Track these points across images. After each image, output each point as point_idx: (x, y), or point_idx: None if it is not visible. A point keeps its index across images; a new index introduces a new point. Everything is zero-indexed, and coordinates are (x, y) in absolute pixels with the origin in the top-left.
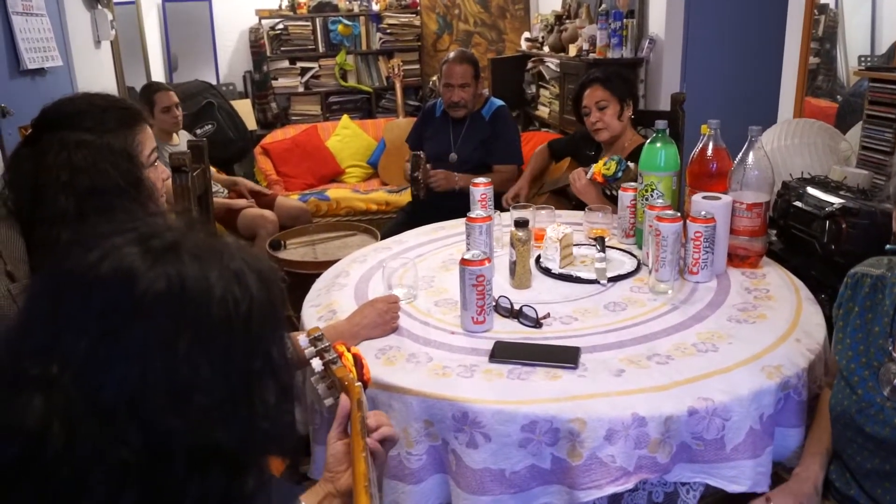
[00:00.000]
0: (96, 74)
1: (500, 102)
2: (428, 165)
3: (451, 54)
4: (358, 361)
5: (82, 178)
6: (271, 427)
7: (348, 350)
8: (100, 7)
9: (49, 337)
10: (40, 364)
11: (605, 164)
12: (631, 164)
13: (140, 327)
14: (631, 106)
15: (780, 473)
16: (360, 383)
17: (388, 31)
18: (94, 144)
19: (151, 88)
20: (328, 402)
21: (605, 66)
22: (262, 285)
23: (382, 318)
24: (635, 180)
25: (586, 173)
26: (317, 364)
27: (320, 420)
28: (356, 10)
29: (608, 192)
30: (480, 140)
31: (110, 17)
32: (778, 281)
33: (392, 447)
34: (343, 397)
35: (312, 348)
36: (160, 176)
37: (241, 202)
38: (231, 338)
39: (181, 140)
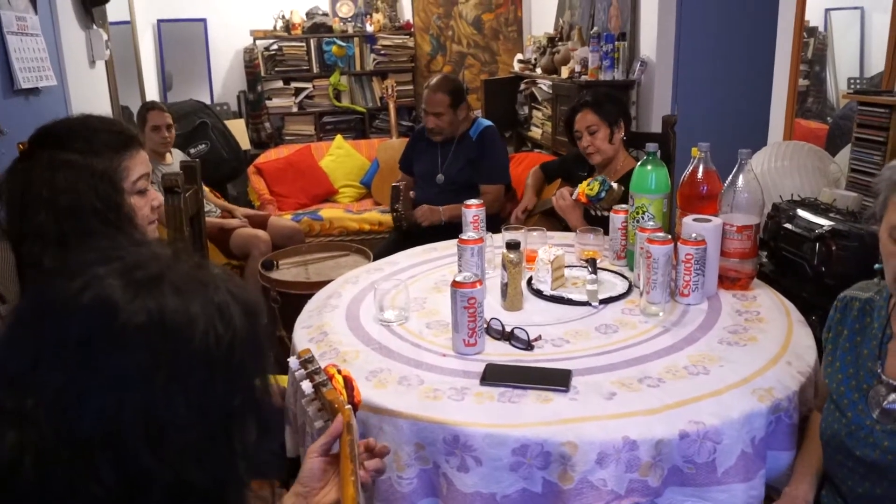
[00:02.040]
0: (91, 94)
1: (487, 123)
2: (411, 193)
3: (433, 80)
4: (349, 384)
5: (62, 198)
6: (249, 465)
7: (339, 372)
8: (95, 27)
9: (27, 366)
10: (15, 396)
11: (588, 185)
12: (615, 185)
13: (117, 359)
14: (623, 128)
15: (772, 496)
16: (350, 406)
17: (382, 52)
18: (77, 165)
19: (146, 106)
20: (318, 424)
21: (597, 89)
22: (247, 319)
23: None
24: (620, 201)
25: (571, 193)
26: (307, 387)
27: (311, 442)
28: (350, 31)
29: (593, 213)
30: (467, 160)
31: (105, 36)
32: (769, 303)
33: (380, 475)
34: (336, 419)
35: (303, 370)
36: (149, 202)
37: (234, 222)
38: (211, 374)
39: (175, 160)
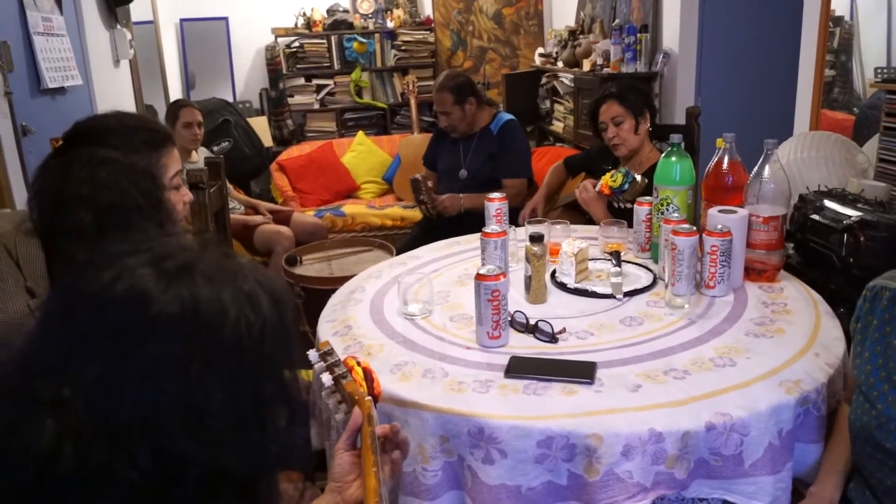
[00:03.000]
0: (115, 93)
1: (508, 116)
2: (430, 183)
3: (439, 79)
4: (368, 376)
5: (103, 195)
6: (281, 450)
7: (358, 364)
8: (119, 27)
9: (61, 357)
10: (52, 385)
11: (611, 177)
12: (638, 177)
13: (152, 349)
14: (648, 119)
15: (800, 489)
16: (370, 398)
17: (403, 47)
18: (119, 162)
19: (178, 104)
20: (339, 416)
21: (621, 80)
22: (275, 307)
23: None
24: (643, 193)
25: (594, 186)
26: (327, 379)
27: (336, 435)
28: (371, 27)
29: (616, 205)
30: (489, 154)
31: (129, 36)
32: (796, 294)
33: (405, 457)
34: (355, 411)
35: (322, 363)
36: (182, 198)
37: (258, 218)
38: (243, 361)
39: (199, 157)
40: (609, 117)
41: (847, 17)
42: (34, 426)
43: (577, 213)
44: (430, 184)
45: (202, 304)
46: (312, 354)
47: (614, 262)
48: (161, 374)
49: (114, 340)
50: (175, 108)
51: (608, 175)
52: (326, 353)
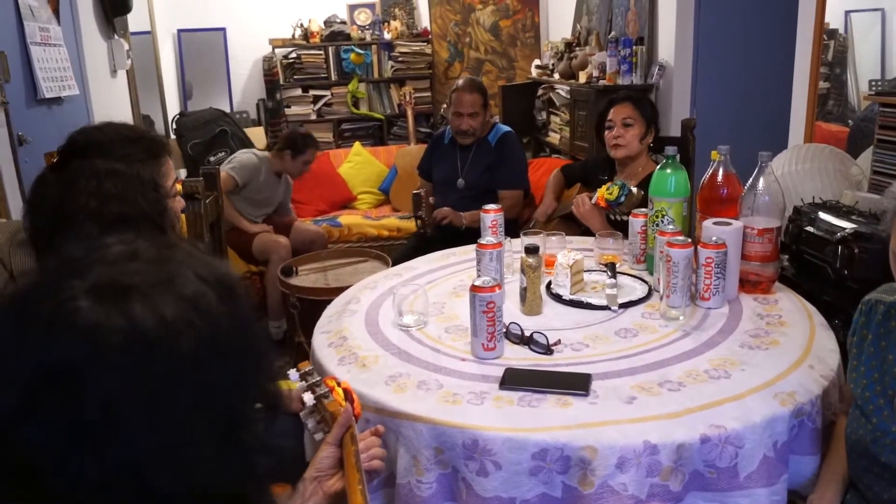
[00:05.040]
0: (112, 103)
1: (506, 128)
2: (431, 199)
3: (461, 82)
4: (349, 395)
5: (113, 206)
6: (267, 457)
7: (338, 384)
8: (116, 37)
9: (13, 404)
10: (11, 452)
11: (608, 189)
12: (634, 189)
13: (107, 386)
14: (653, 133)
15: (796, 501)
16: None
17: (400, 59)
18: (126, 174)
19: (311, 144)
20: (318, 437)
21: (634, 90)
22: (223, 299)
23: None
24: (639, 206)
25: (590, 198)
26: (308, 398)
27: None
28: (368, 38)
29: (612, 217)
30: (486, 165)
31: (126, 46)
32: (790, 306)
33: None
34: (346, 407)
35: (303, 383)
36: (177, 207)
37: (256, 227)
38: (206, 376)
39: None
40: (620, 117)
41: (841, 30)
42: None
43: (574, 224)
44: (431, 200)
45: (147, 329)
46: (293, 374)
47: (609, 273)
48: (122, 414)
49: (65, 384)
50: (306, 146)
51: (604, 188)
52: (307, 374)
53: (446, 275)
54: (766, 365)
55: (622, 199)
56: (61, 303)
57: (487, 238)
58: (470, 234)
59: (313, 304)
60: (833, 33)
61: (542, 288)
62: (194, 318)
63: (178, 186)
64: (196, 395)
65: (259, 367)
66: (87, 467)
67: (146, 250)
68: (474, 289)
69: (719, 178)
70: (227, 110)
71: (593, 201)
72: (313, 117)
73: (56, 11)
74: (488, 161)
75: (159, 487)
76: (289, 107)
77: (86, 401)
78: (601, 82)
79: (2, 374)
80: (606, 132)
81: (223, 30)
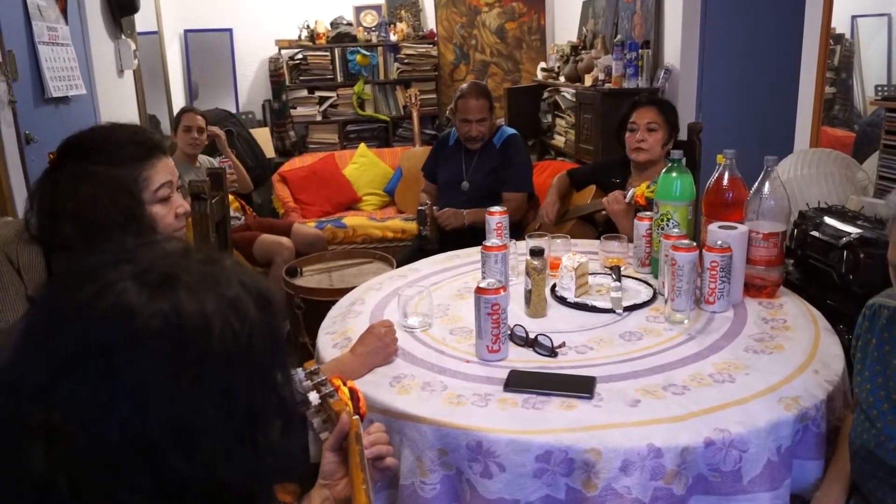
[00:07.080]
0: (119, 103)
1: (511, 131)
2: (435, 207)
3: (465, 87)
4: (354, 394)
5: (85, 211)
6: (277, 461)
7: (344, 384)
8: (123, 37)
9: (48, 378)
10: (41, 410)
11: (648, 188)
12: None
13: (139, 367)
14: (673, 141)
15: None
16: (356, 416)
17: (406, 61)
18: (100, 178)
19: (182, 109)
20: (324, 436)
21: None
22: (261, 309)
23: (382, 341)
24: None
25: (625, 196)
26: (314, 398)
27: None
28: (374, 40)
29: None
30: (491, 168)
31: (133, 46)
32: (795, 311)
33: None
34: (342, 416)
35: (309, 382)
36: (173, 210)
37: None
38: (232, 374)
39: (203, 166)
40: (645, 120)
41: (847, 35)
42: (26, 455)
43: (589, 226)
44: (435, 210)
45: (186, 316)
46: (299, 373)
47: (614, 276)
48: (150, 391)
49: (100, 359)
50: (179, 114)
51: (644, 185)
52: (312, 373)
53: (450, 277)
54: (770, 369)
55: None
56: (108, 284)
57: (492, 240)
58: (474, 237)
59: (318, 305)
60: (839, 38)
61: (547, 290)
62: (232, 317)
63: (173, 187)
64: (220, 388)
65: (283, 378)
66: (109, 433)
67: (199, 251)
68: (479, 291)
69: (725, 181)
70: (233, 111)
71: (629, 199)
72: (319, 118)
73: (64, 11)
74: (493, 163)
75: (171, 466)
76: (294, 108)
77: (118, 376)
78: (607, 85)
79: (45, 344)
80: (628, 135)
81: (230, 31)
